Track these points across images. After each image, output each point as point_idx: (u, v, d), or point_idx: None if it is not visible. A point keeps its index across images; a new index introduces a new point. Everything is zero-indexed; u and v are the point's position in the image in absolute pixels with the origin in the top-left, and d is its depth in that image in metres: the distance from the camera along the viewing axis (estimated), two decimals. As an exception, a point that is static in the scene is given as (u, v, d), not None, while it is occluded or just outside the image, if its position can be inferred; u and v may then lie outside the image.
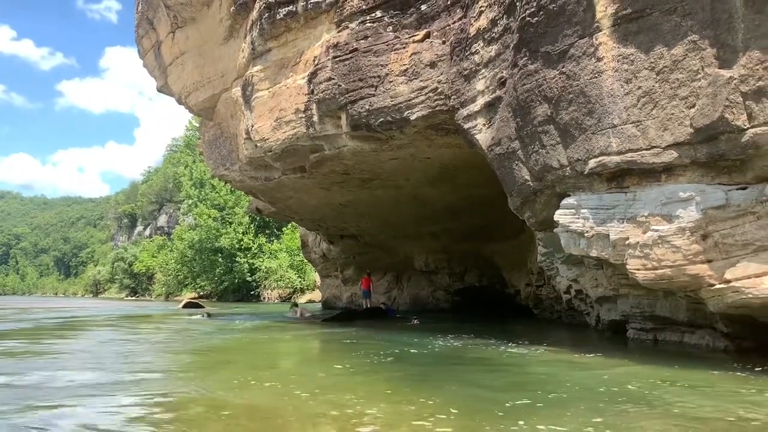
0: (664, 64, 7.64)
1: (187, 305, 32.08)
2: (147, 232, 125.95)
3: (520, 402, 5.53)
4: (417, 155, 15.07)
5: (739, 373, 6.97)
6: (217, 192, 58.46)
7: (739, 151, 6.99)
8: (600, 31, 8.32)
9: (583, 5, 8.49)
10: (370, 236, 25.06)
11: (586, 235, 8.78)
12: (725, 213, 7.19)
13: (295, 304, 26.49)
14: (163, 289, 75.09)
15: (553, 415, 5.03)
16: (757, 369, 7.17)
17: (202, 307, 31.45)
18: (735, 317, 8.10)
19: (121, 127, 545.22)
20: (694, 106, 7.31)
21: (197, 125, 70.11)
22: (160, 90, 22.75)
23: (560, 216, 9.24)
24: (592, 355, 8.97)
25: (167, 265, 71.08)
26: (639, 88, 7.90)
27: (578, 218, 8.91)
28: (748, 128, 6.81)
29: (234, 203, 57.58)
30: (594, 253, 8.76)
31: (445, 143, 13.89)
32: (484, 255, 23.72)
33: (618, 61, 8.13)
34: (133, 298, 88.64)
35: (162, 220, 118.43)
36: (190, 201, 63.46)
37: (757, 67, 6.68)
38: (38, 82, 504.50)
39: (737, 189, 7.22)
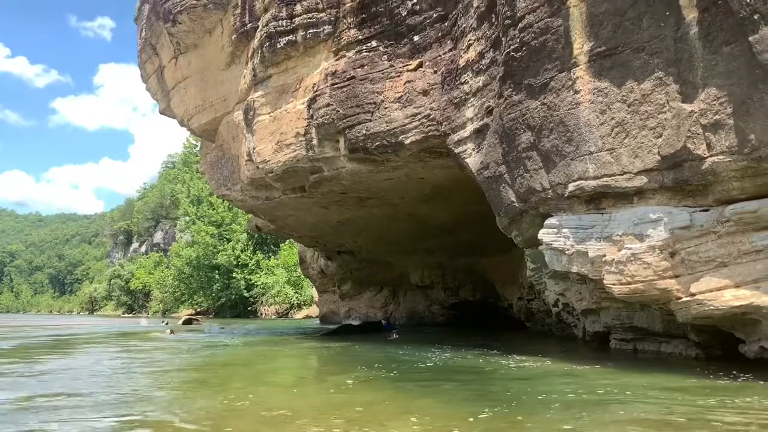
0: (635, 97, 8.43)
1: (187, 322, 32.64)
2: (143, 248, 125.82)
3: (500, 411, 6.15)
4: (411, 175, 15.82)
5: (712, 380, 7.67)
6: (214, 209, 59.14)
7: (700, 177, 7.76)
8: (577, 66, 9.12)
9: (562, 42, 9.30)
10: (367, 252, 25.76)
11: (567, 252, 9.53)
12: (690, 233, 7.96)
13: (172, 332, 25.68)
14: (160, 305, 75.45)
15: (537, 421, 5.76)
16: (720, 374, 7.91)
17: (200, 323, 32.04)
18: (704, 327, 8.84)
19: (115, 143, 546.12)
20: (660, 136, 8.11)
21: (195, 143, 71.00)
22: (162, 113, 23.53)
23: (544, 235, 9.99)
24: (586, 366, 9.52)
25: (164, 281, 71.54)
26: (612, 118, 8.69)
27: (560, 237, 9.66)
28: (707, 157, 7.59)
29: (231, 220, 58.28)
30: (575, 269, 9.51)
31: (438, 164, 14.64)
32: (478, 270, 24.46)
33: (593, 94, 8.93)
34: (131, 315, 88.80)
35: (158, 236, 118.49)
36: (188, 218, 64.11)
37: (714, 102, 7.47)
38: (32, 100, 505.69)
39: (700, 211, 7.99)
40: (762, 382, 7.24)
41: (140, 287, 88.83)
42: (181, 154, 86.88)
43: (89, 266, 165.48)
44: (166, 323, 25.22)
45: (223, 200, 47.97)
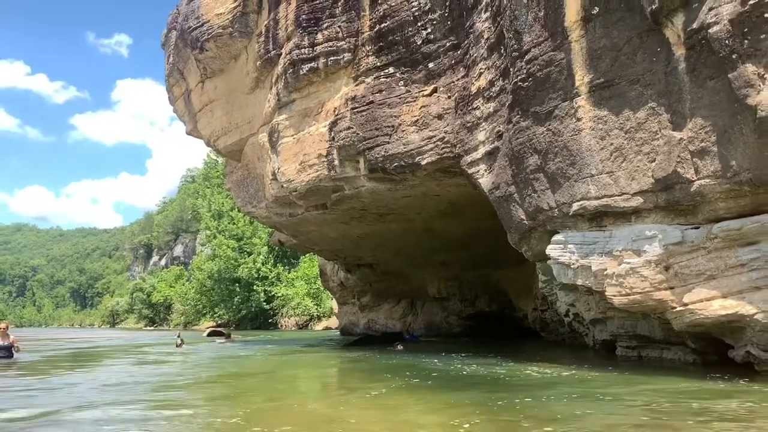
0: (631, 125, 9.27)
1: (212, 333, 33.61)
2: (163, 262, 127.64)
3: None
4: (428, 193, 16.71)
5: (708, 384, 8.43)
6: (235, 223, 60.42)
7: (689, 198, 8.57)
8: (579, 96, 9.97)
9: (565, 74, 10.17)
10: (386, 265, 26.67)
11: (572, 266, 10.35)
12: (682, 248, 8.75)
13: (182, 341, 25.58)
14: (182, 318, 76.77)
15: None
16: (715, 377, 8.66)
17: (227, 335, 33.02)
18: (699, 334, 9.58)
19: (133, 158, 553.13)
20: (654, 160, 8.93)
21: (215, 158, 72.56)
22: (189, 134, 24.68)
23: (551, 250, 10.81)
24: (596, 372, 10.17)
25: (186, 294, 72.88)
26: (611, 144, 9.53)
27: (566, 252, 10.49)
28: (695, 180, 8.40)
29: (251, 234, 59.49)
30: (580, 282, 10.32)
31: (453, 183, 15.50)
32: (493, 282, 25.24)
33: (594, 121, 9.77)
34: (152, 327, 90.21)
35: (178, 250, 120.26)
36: (209, 232, 65.46)
37: (701, 131, 8.29)
38: (52, 116, 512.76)
39: (691, 228, 8.78)
40: (755, 386, 7.97)
41: (161, 300, 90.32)
42: (201, 169, 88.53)
43: (110, 280, 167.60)
44: (178, 335, 25.80)
45: (245, 215, 49.22)
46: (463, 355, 15.11)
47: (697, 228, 8.75)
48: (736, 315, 8.24)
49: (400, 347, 19.10)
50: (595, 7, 9.73)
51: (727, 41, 7.72)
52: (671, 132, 8.71)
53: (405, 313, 29.25)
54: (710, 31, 7.87)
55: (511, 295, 24.96)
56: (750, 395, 7.24)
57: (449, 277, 26.42)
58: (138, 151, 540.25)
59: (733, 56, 7.70)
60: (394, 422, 6.49)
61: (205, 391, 10.39)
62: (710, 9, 7.91)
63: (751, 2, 7.48)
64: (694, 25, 8.16)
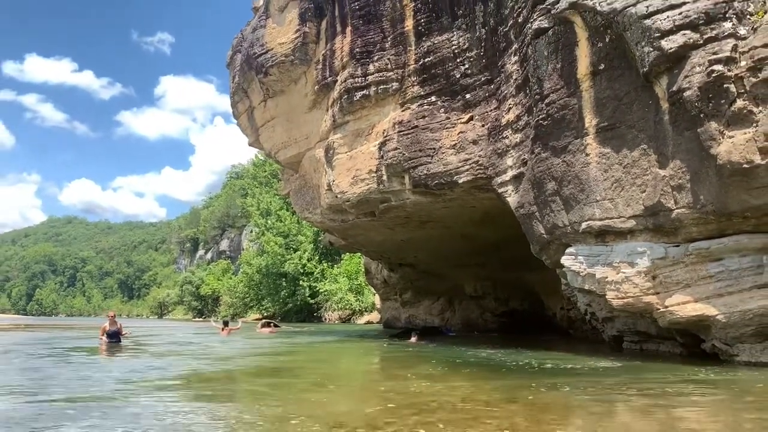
0: (627, 161, 11.51)
1: (265, 325, 36.41)
2: (208, 255, 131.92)
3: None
4: (464, 205, 19.03)
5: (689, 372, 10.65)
6: (281, 221, 63.54)
7: (670, 223, 10.80)
8: (588, 135, 12.24)
9: (577, 117, 12.44)
10: (425, 265, 29.05)
11: (581, 274, 12.63)
12: (665, 262, 10.99)
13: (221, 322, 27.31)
14: (230, 310, 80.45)
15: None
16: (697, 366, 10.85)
17: (278, 326, 35.84)
18: (681, 331, 11.79)
19: (176, 153, 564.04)
20: (644, 191, 11.17)
21: (263, 158, 75.88)
22: (251, 145, 27.51)
23: (565, 260, 13.11)
24: (606, 363, 12.57)
25: (235, 287, 76.47)
26: (612, 176, 11.78)
27: (576, 262, 12.77)
28: (674, 209, 10.63)
29: (297, 231, 62.51)
30: (587, 287, 12.61)
31: (486, 197, 17.78)
32: (525, 282, 27.39)
33: (599, 157, 12.03)
34: (201, 319, 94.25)
35: (224, 244, 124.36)
36: (258, 229, 68.81)
37: (679, 170, 10.51)
38: (98, 112, 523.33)
39: (673, 246, 11.00)
40: (711, 375, 10.15)
41: (209, 293, 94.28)
42: (250, 169, 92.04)
43: (156, 272, 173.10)
44: (215, 320, 26.73)
45: (293, 214, 52.13)
46: (497, 347, 17.44)
47: (677, 246, 10.97)
48: (703, 315, 10.46)
49: (414, 339, 21.09)
50: (602, 64, 11.99)
51: (696, 103, 9.94)
52: (657, 169, 10.94)
53: (443, 310, 31.61)
54: (685, 94, 10.10)
55: (541, 295, 27.10)
56: (700, 383, 9.22)
57: (484, 277, 28.65)
58: (181, 147, 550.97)
59: (701, 115, 9.91)
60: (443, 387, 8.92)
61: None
62: (685, 77, 10.14)
63: (714, 75, 9.69)
64: (674, 88, 10.38)
